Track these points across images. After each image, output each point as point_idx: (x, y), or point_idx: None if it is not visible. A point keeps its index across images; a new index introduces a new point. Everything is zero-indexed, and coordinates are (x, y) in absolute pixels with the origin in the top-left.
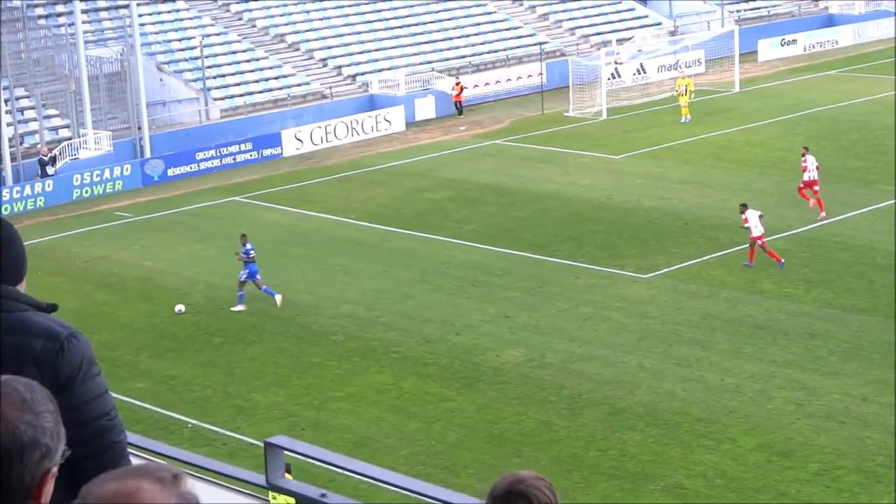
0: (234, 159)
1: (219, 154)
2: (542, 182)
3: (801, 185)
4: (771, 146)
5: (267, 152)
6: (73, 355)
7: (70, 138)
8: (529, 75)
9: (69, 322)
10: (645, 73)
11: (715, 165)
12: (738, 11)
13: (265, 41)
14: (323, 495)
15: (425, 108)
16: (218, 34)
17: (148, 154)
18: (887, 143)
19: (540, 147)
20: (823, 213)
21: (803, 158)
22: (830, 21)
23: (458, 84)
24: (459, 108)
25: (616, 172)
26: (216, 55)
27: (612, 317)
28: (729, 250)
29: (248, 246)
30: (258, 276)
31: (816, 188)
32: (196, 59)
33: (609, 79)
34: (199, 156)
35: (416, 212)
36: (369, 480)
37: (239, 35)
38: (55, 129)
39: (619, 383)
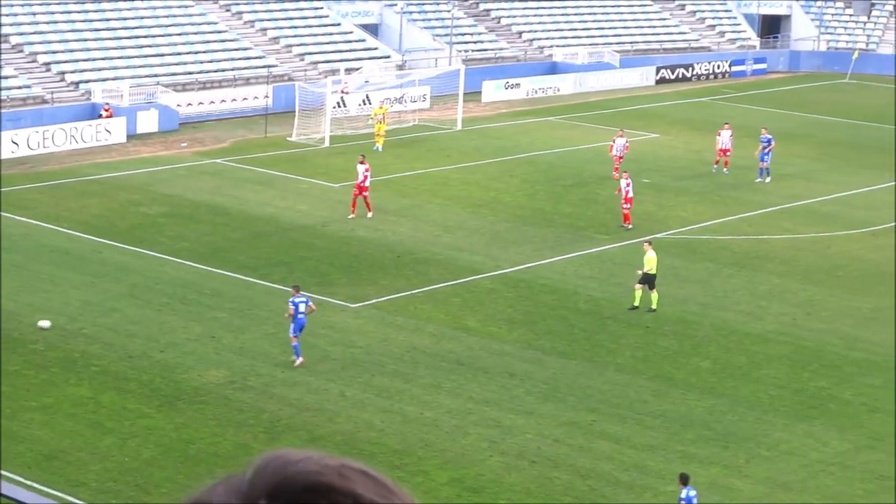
0: None
1: None
2: (260, 205)
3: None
4: (487, 186)
5: None
6: None
7: None
8: (255, 97)
9: None
10: (370, 104)
11: (431, 201)
12: (465, 52)
13: None
14: None
15: (148, 122)
16: None
17: None
18: (599, 191)
19: (260, 170)
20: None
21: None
22: (554, 69)
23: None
24: None
25: (334, 201)
26: None
27: (318, 344)
28: (438, 285)
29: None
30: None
31: (366, 194)
32: None
33: (334, 107)
34: None
35: (130, 225)
36: None
37: None
38: None
39: (320, 410)
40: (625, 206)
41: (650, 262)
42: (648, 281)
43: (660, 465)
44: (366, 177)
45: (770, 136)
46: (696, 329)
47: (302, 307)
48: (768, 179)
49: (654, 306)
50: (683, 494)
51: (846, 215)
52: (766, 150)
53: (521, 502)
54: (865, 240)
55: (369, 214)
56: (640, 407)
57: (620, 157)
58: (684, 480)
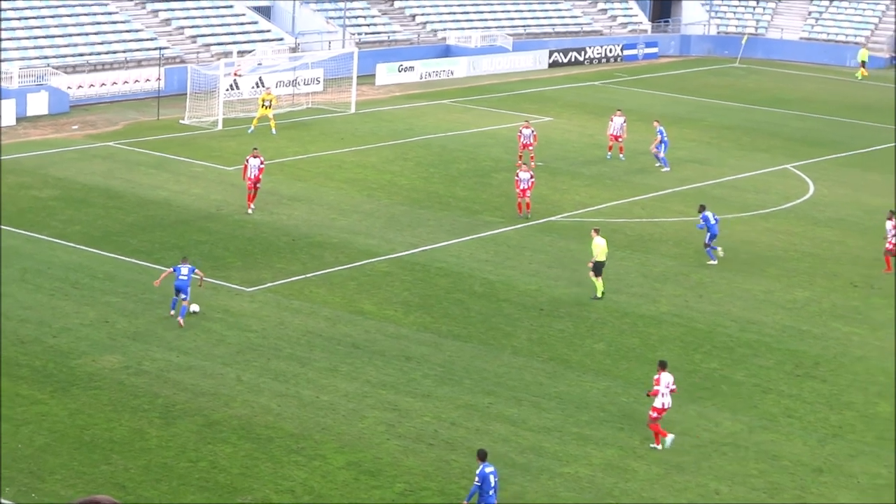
0: None
1: None
2: (153, 188)
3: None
4: (381, 169)
5: None
6: None
7: None
8: (147, 79)
9: None
10: (264, 87)
11: (326, 184)
12: (359, 34)
13: None
14: None
15: (38, 104)
16: None
17: None
18: (493, 174)
19: (153, 153)
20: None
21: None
22: (447, 52)
23: None
24: None
25: (227, 184)
26: None
27: (214, 328)
28: (333, 269)
29: None
30: None
31: (258, 186)
32: None
33: (227, 90)
34: None
35: (21, 209)
36: None
37: None
38: None
39: (215, 395)
40: (525, 197)
41: (597, 248)
42: (598, 268)
43: (556, 447)
44: (261, 170)
45: (661, 129)
46: (590, 311)
47: (184, 269)
48: (665, 168)
49: (598, 294)
50: (478, 470)
51: (736, 198)
52: (659, 142)
53: (419, 485)
54: (755, 222)
55: (250, 209)
56: (536, 389)
57: (526, 146)
58: (482, 457)
